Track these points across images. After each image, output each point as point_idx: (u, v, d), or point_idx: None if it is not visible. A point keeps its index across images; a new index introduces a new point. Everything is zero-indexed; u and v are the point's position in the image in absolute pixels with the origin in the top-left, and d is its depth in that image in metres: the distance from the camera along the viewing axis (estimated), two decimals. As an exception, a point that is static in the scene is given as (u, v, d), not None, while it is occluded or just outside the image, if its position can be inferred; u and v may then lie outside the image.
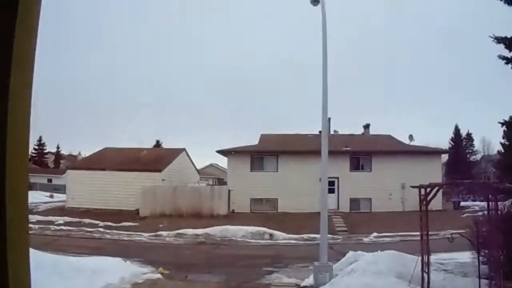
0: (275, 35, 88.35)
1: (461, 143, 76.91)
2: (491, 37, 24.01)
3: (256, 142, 49.08)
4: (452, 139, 76.37)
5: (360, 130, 55.55)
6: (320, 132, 22.55)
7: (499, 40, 23.70)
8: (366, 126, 55.09)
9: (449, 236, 15.81)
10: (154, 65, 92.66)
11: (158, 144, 75.70)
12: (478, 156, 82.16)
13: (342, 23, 76.22)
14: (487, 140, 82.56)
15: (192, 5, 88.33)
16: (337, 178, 43.33)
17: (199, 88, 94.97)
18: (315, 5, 21.36)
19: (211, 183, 62.05)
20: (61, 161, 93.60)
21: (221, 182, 62.25)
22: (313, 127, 51.45)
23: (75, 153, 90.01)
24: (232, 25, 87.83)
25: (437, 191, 15.67)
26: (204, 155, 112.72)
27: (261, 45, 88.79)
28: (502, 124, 26.78)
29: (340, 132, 52.56)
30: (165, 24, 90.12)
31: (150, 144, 71.97)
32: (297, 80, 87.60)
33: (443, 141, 76.38)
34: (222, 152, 47.36)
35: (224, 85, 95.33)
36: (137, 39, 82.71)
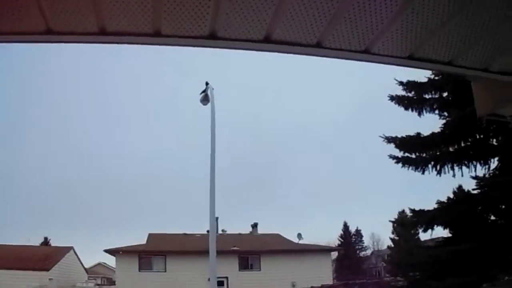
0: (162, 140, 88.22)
1: (350, 239, 78.40)
2: (381, 137, 24.86)
3: (145, 241, 48.14)
4: (341, 236, 77.80)
5: (248, 229, 55.86)
6: (208, 231, 22.44)
7: (390, 140, 24.53)
8: (254, 225, 55.45)
9: None
10: (39, 160, 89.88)
11: (46, 242, 72.48)
12: (368, 252, 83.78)
13: (228, 121, 77.07)
14: (376, 235, 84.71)
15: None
16: (227, 277, 42.46)
17: (86, 185, 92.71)
18: (205, 104, 21.70)
19: (99, 282, 59.83)
20: None
21: (110, 281, 59.95)
22: (201, 226, 51.18)
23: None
24: (120, 133, 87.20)
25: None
26: (93, 253, 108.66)
27: (145, 146, 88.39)
28: (393, 222, 27.61)
29: (228, 232, 52.53)
30: (49, 121, 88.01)
31: (37, 241, 68.83)
32: (183, 178, 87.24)
33: (333, 238, 77.65)
34: (110, 252, 45.94)
35: (111, 183, 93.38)
36: (23, 136, 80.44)
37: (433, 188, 26.91)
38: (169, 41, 3.55)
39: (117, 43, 3.59)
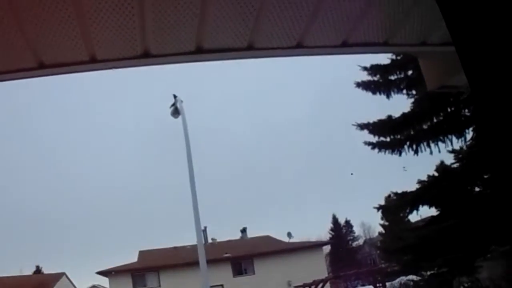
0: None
1: (341, 231, 78.22)
2: (354, 125, 24.69)
3: (136, 259, 47.91)
4: (331, 229, 77.64)
5: (237, 235, 55.82)
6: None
7: (363, 126, 24.34)
8: (243, 230, 55.32)
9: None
10: (27, 189, 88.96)
11: (38, 270, 71.65)
12: (361, 241, 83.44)
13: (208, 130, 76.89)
14: (367, 224, 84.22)
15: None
16: (222, 285, 42.45)
17: (71, 210, 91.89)
18: (176, 117, 21.55)
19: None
20: None
21: (105, 303, 59.63)
22: (191, 238, 50.99)
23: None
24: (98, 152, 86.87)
25: (323, 285, 15.73)
26: (86, 277, 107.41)
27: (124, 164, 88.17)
28: (378, 208, 27.42)
29: (218, 240, 52.27)
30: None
31: (30, 271, 68.08)
32: (168, 193, 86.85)
33: (323, 233, 77.47)
34: (103, 273, 45.74)
35: (96, 206, 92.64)
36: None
37: (424, 168, 26.66)
38: (104, 66, 3.55)
39: (55, 74, 3.60)
